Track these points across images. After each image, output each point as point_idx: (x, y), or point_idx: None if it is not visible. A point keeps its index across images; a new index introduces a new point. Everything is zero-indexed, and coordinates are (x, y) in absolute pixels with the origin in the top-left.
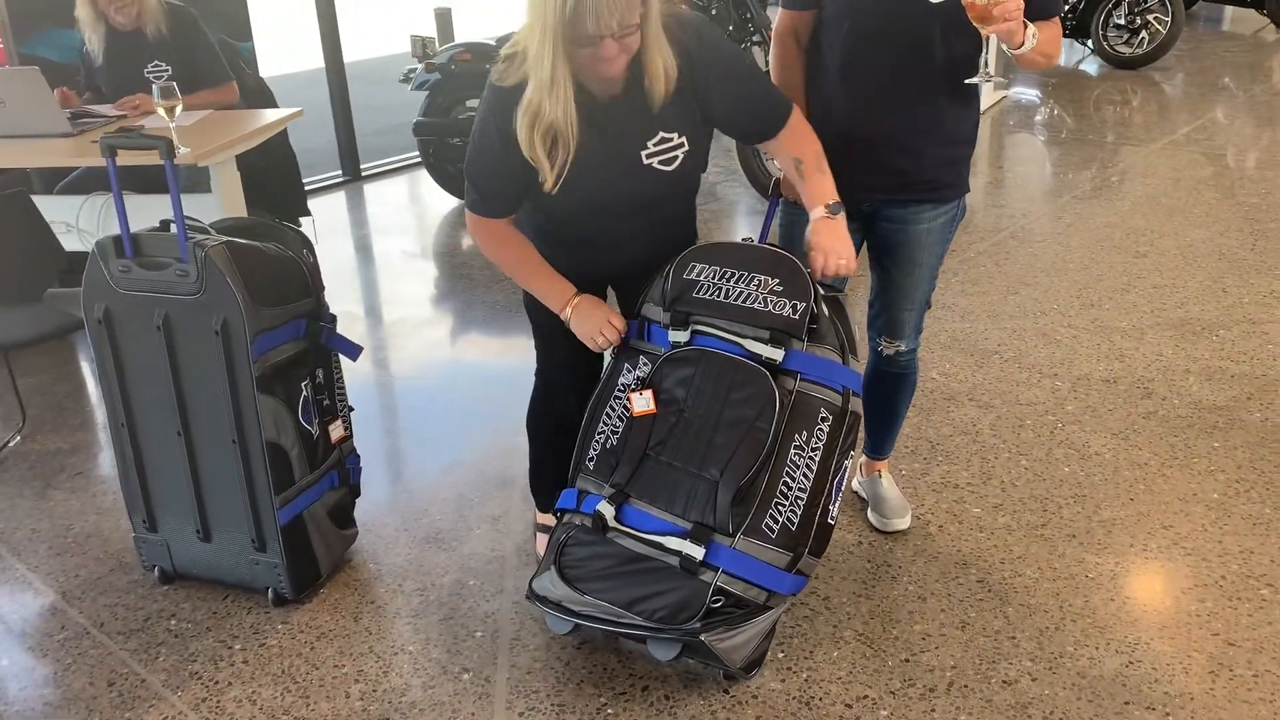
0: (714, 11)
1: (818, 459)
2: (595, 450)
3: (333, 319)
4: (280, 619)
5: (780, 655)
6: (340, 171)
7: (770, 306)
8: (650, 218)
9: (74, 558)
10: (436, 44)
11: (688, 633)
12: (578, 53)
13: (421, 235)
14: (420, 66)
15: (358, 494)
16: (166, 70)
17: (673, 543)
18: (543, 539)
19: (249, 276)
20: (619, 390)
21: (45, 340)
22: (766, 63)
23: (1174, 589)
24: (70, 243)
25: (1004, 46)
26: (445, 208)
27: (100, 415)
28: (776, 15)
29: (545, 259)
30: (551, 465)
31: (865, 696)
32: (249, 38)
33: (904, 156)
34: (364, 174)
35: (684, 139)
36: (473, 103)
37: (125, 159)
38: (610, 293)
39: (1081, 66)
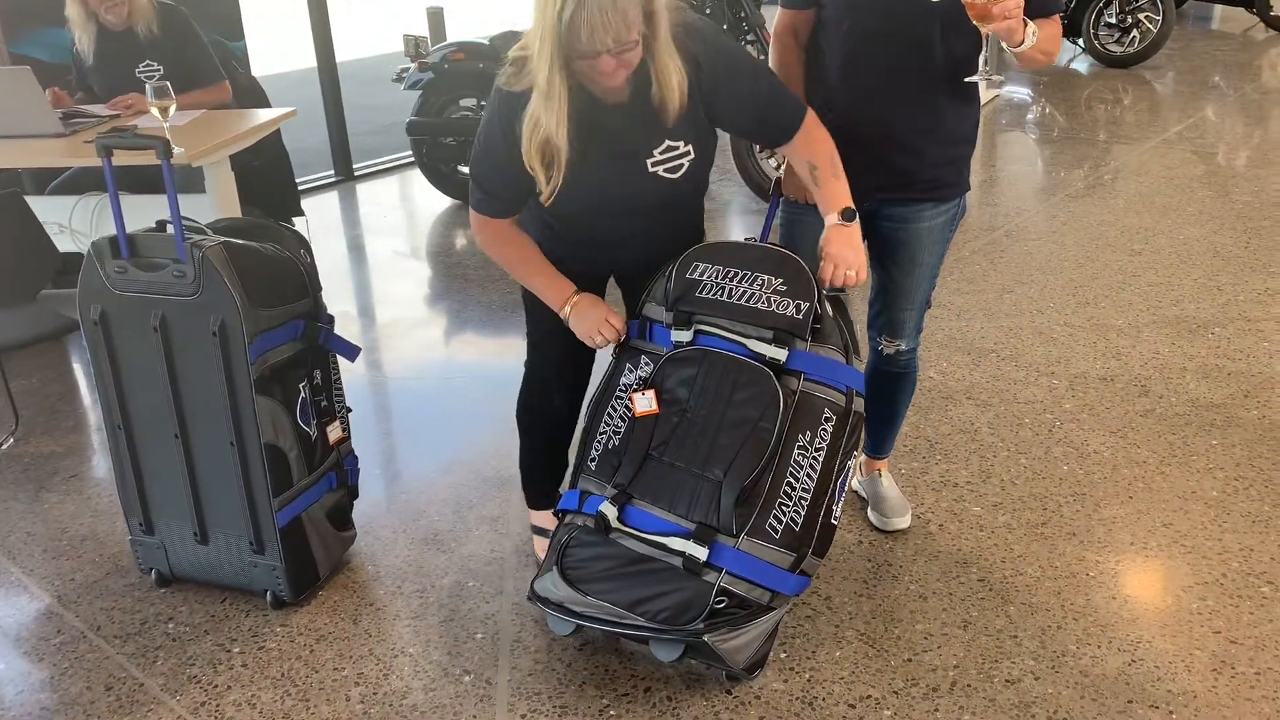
0: (708, 10)
1: (821, 459)
2: (597, 451)
3: (330, 320)
4: (279, 622)
5: (783, 655)
6: (333, 171)
7: (774, 306)
8: (656, 219)
9: (69, 561)
10: (429, 43)
11: (691, 633)
12: (577, 63)
13: (415, 235)
14: (413, 66)
15: (356, 495)
16: (158, 70)
17: (676, 543)
18: (540, 541)
19: (246, 277)
20: (620, 390)
21: (40, 342)
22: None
23: (1175, 587)
24: (63, 244)
25: (1004, 44)
26: (438, 207)
27: (93, 417)
28: (773, 14)
29: (551, 255)
30: (541, 456)
31: (868, 696)
32: (241, 37)
33: (904, 156)
34: (356, 174)
35: (690, 147)
36: (466, 102)
37: (120, 159)
38: (609, 293)
39: (1073, 65)
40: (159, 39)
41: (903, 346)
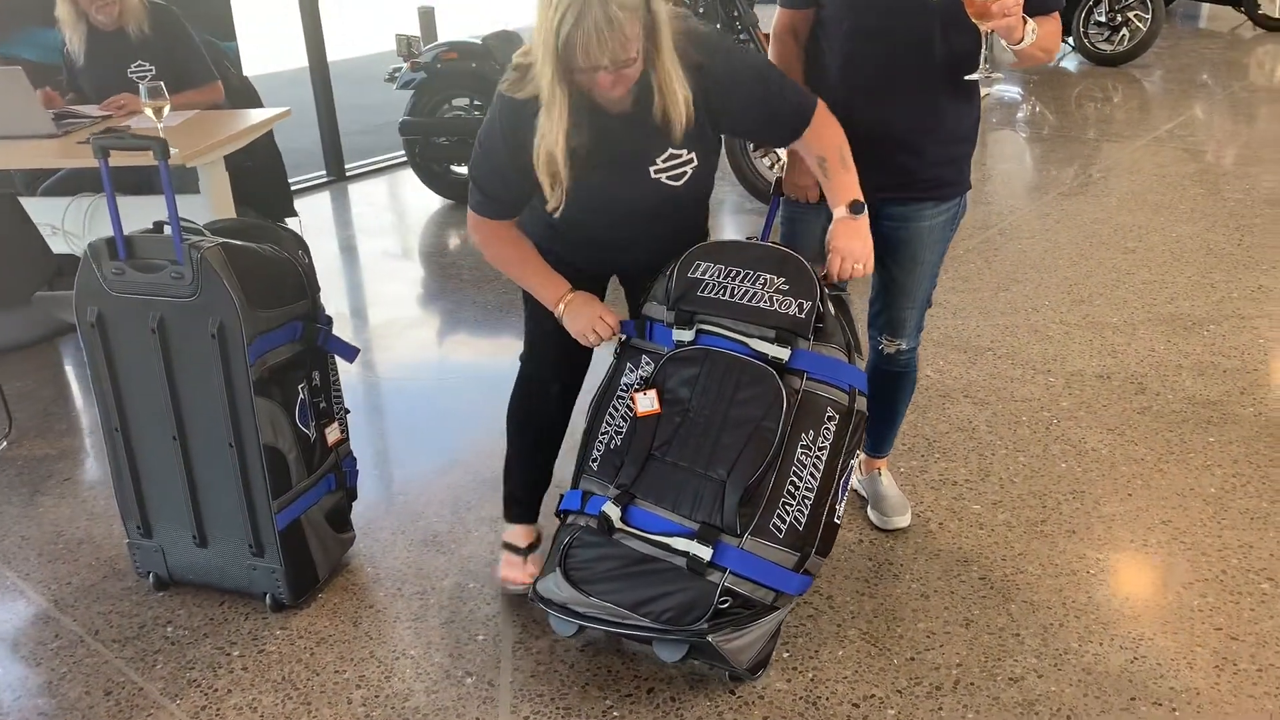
0: (701, 10)
1: (824, 458)
2: (599, 451)
3: (329, 321)
4: (279, 624)
5: (785, 655)
6: (324, 172)
7: (776, 305)
8: (658, 223)
9: (65, 565)
10: (421, 43)
11: (695, 634)
12: (577, 75)
13: (408, 235)
14: (405, 65)
15: (354, 497)
16: (150, 70)
17: (680, 543)
18: (510, 559)
19: (245, 279)
20: (622, 390)
21: (35, 344)
22: None
23: (1175, 584)
24: (56, 245)
25: (1003, 42)
26: (431, 207)
27: (86, 420)
28: (764, 13)
29: (553, 255)
30: (527, 459)
31: (872, 695)
32: (233, 37)
33: (905, 154)
34: (348, 174)
35: (693, 155)
36: (459, 101)
37: (113, 160)
38: (611, 292)
39: (1062, 64)
40: (150, 39)
41: (903, 346)
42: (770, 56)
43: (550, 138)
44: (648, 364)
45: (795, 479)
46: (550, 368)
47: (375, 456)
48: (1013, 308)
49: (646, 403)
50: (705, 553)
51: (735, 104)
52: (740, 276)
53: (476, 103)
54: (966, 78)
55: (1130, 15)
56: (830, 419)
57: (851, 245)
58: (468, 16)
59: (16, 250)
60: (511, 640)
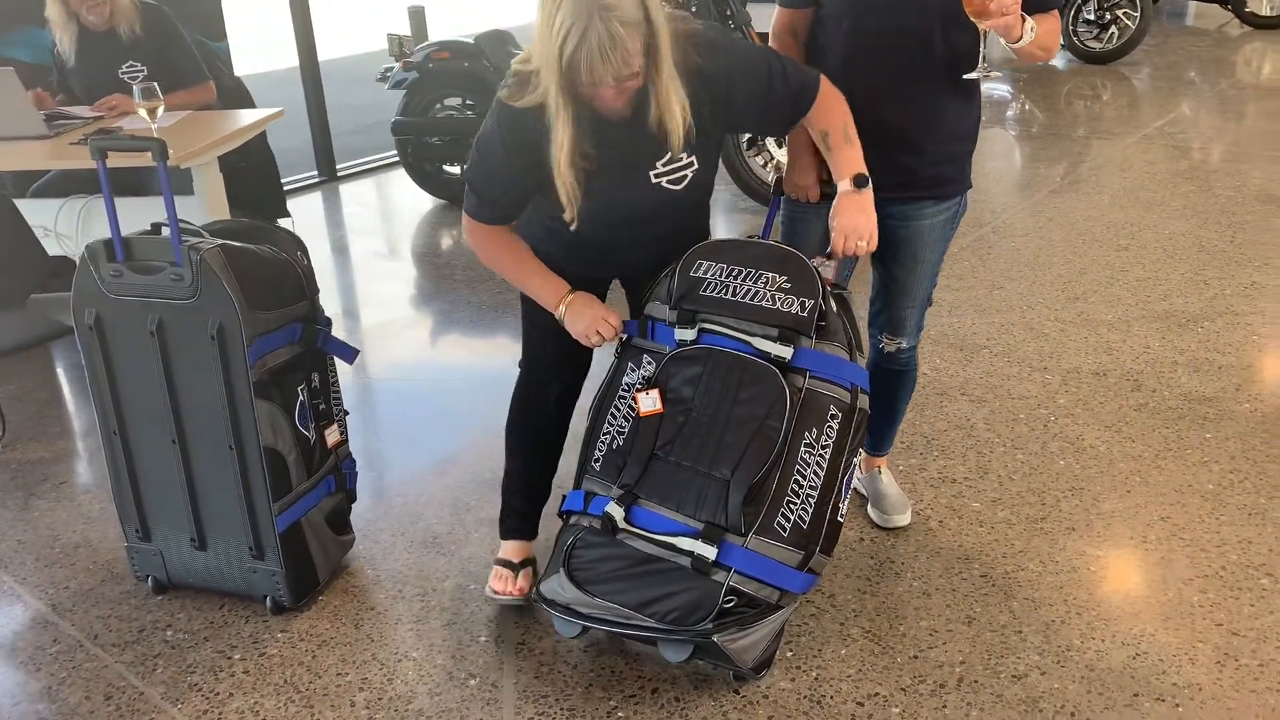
0: (693, 9)
1: (828, 457)
2: (601, 451)
3: (328, 322)
4: (279, 627)
5: (789, 654)
6: (316, 172)
7: (779, 304)
8: (659, 226)
9: (63, 569)
10: (413, 42)
11: (700, 633)
12: (580, 90)
13: (401, 236)
14: (397, 65)
15: (354, 499)
16: (142, 71)
17: (684, 543)
18: (500, 572)
19: (244, 280)
20: (624, 390)
21: (31, 347)
22: None
23: (1175, 580)
24: (49, 247)
25: (1002, 41)
26: (424, 208)
27: (79, 423)
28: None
29: (553, 259)
30: (520, 472)
31: (876, 694)
32: (223, 37)
33: (906, 154)
34: (339, 174)
35: (693, 158)
36: (451, 101)
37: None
38: (612, 292)
39: (1051, 62)
40: (142, 39)
41: (904, 344)
42: None
43: (564, 153)
44: (649, 363)
45: (799, 477)
46: (549, 369)
47: (373, 458)
48: (1007, 305)
49: (649, 402)
50: (710, 552)
51: (739, 99)
52: (742, 275)
53: (469, 102)
54: (965, 76)
55: (1119, 13)
56: (833, 417)
57: (855, 221)
58: (458, 16)
59: (11, 252)
60: (514, 641)
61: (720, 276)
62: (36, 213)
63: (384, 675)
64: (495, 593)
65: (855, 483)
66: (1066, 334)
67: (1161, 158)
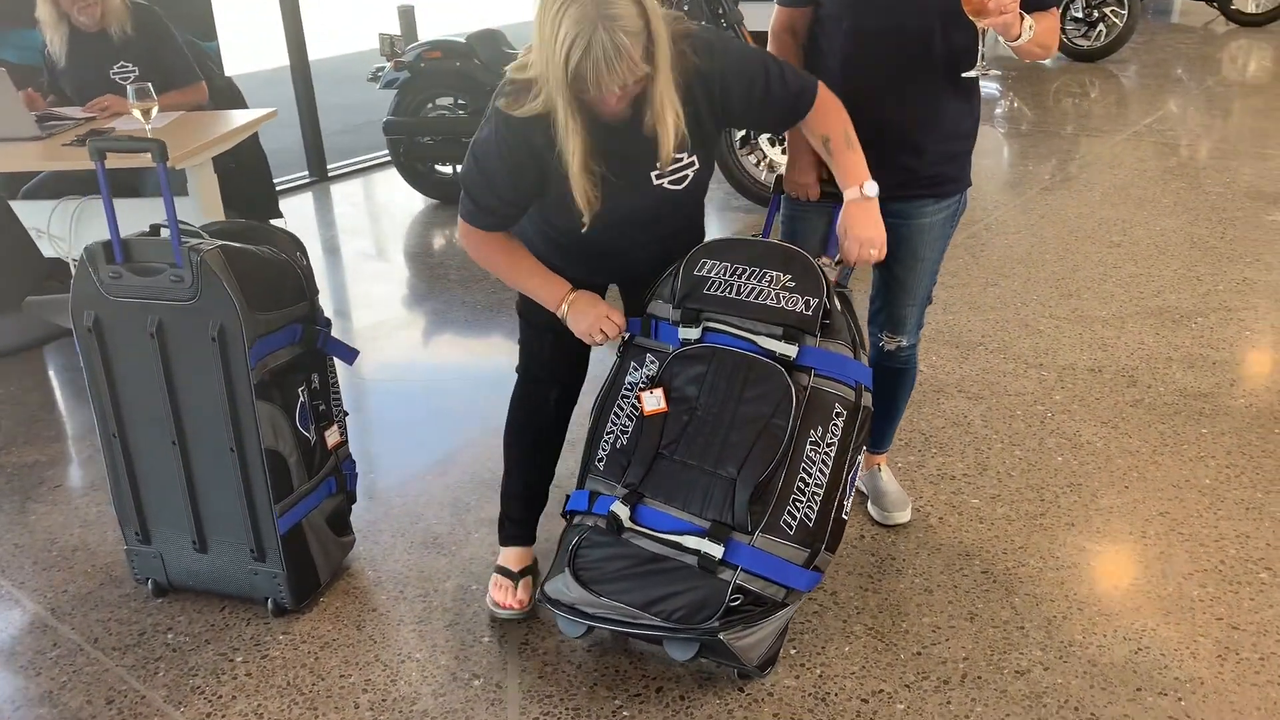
0: (685, 7)
1: (833, 455)
2: (605, 451)
3: (328, 323)
4: (281, 629)
5: (792, 652)
6: (306, 172)
7: (783, 303)
8: (659, 228)
9: (60, 572)
10: (404, 42)
11: (706, 632)
12: (584, 98)
13: (393, 236)
14: (389, 65)
15: (354, 500)
16: (133, 71)
17: (691, 542)
18: (500, 581)
19: (245, 281)
20: (627, 389)
21: (27, 350)
22: None
23: (1175, 575)
24: (42, 249)
25: (1001, 39)
26: (416, 208)
27: (74, 426)
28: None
29: (552, 263)
30: (519, 476)
31: (880, 690)
32: (214, 37)
33: (905, 152)
34: (330, 174)
35: (694, 158)
36: (443, 101)
37: (91, 162)
38: (605, 293)
39: (1023, 60)
40: (133, 40)
41: (904, 342)
42: None
43: (577, 161)
44: (653, 362)
45: (805, 476)
46: (547, 370)
47: (371, 459)
48: (1002, 302)
49: (653, 401)
50: (717, 551)
51: (736, 100)
52: (746, 274)
53: (461, 102)
54: (964, 75)
55: (1106, 11)
56: (838, 415)
57: (870, 231)
58: (448, 15)
59: (7, 254)
60: (517, 642)
61: (724, 275)
62: (29, 214)
63: (387, 677)
64: (496, 605)
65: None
66: (1061, 330)
67: (1151, 155)
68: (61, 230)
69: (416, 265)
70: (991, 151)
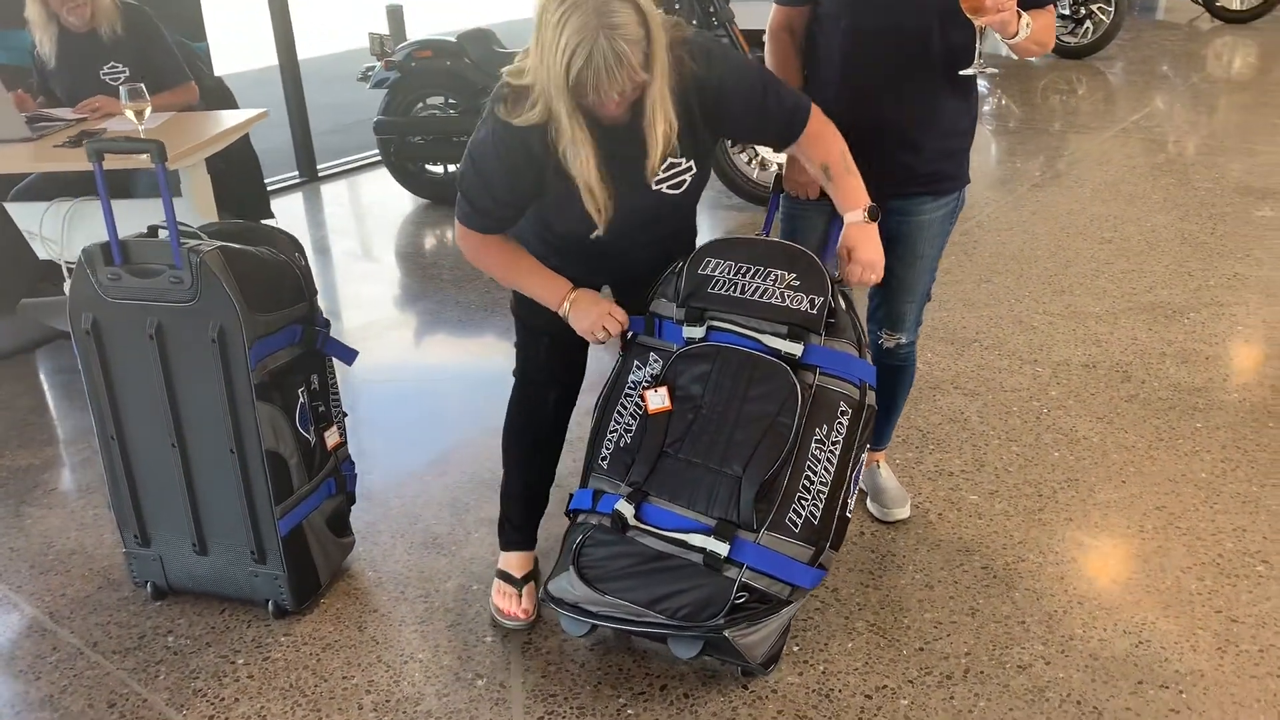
0: (677, 6)
1: (838, 453)
2: (608, 449)
3: (326, 324)
4: (282, 631)
5: (795, 648)
6: (296, 172)
7: (788, 301)
8: (654, 231)
9: (58, 576)
10: (394, 42)
11: (711, 629)
12: (584, 104)
13: (384, 236)
14: (379, 64)
15: (354, 501)
16: (124, 72)
17: (696, 540)
18: (503, 589)
19: (244, 282)
20: (630, 387)
21: (23, 352)
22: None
23: (1173, 568)
24: (34, 251)
25: (998, 36)
26: (407, 208)
27: (66, 430)
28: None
29: (547, 262)
30: (518, 479)
31: (884, 686)
32: (203, 38)
33: (904, 150)
34: (320, 174)
35: (691, 163)
36: (433, 100)
37: (83, 163)
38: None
39: (1021, 57)
40: (123, 40)
41: (903, 340)
42: (767, 54)
43: (585, 176)
44: (656, 361)
45: (810, 474)
46: (545, 370)
47: (367, 460)
48: (995, 299)
49: (658, 400)
50: (722, 548)
51: (731, 111)
52: (751, 273)
53: (451, 101)
54: (962, 73)
55: (1093, 8)
56: (843, 414)
57: (872, 255)
58: (436, 14)
59: (1, 255)
60: (520, 641)
61: (729, 274)
62: (21, 216)
63: (390, 677)
64: (501, 614)
65: None
66: (1055, 327)
67: (1139, 151)
68: (54, 232)
69: (408, 265)
70: (980, 148)
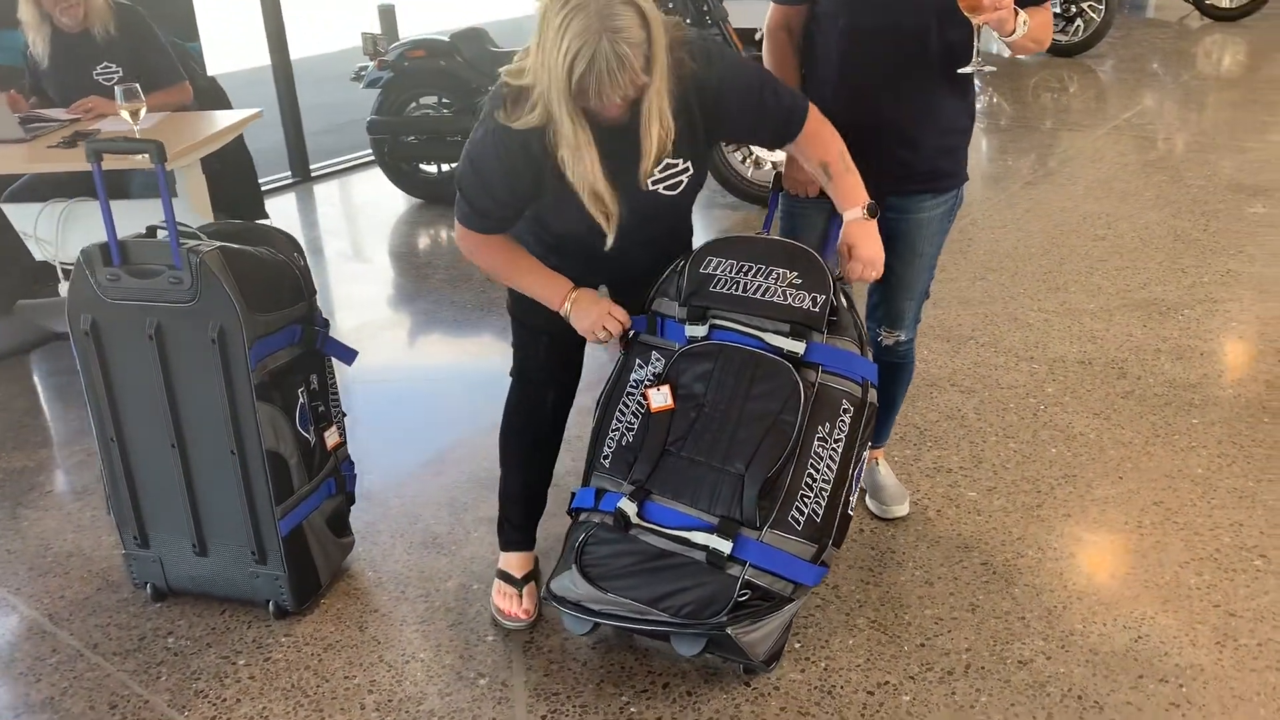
0: (670, 4)
1: (840, 450)
2: (610, 448)
3: (326, 324)
4: (283, 631)
5: (797, 645)
6: (289, 172)
7: (790, 299)
8: (651, 232)
9: (56, 578)
10: (387, 41)
11: (714, 627)
12: (585, 106)
13: (378, 236)
14: (372, 64)
15: (353, 501)
16: (116, 72)
17: (699, 537)
18: (503, 589)
19: (244, 282)
20: (632, 386)
21: (20, 354)
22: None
23: (1171, 563)
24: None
25: (996, 34)
26: (400, 207)
27: (62, 432)
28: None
29: (545, 262)
30: (517, 479)
31: (886, 683)
32: (196, 38)
33: (903, 148)
34: (313, 174)
35: (688, 164)
36: (427, 100)
37: (78, 164)
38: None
39: (1017, 55)
40: (116, 40)
41: (902, 337)
42: (765, 53)
43: (590, 179)
44: (658, 360)
45: (813, 471)
46: (543, 372)
47: (365, 460)
48: (990, 296)
49: (660, 398)
50: (725, 546)
51: (729, 111)
52: (753, 271)
53: (445, 101)
54: (960, 71)
55: (1084, 6)
56: (845, 411)
57: (872, 252)
58: (429, 14)
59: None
60: (522, 640)
61: (730, 273)
62: (16, 217)
63: (392, 677)
64: (502, 614)
65: None
66: (1050, 324)
67: (1131, 149)
68: (49, 233)
69: (402, 265)
70: (972, 146)
